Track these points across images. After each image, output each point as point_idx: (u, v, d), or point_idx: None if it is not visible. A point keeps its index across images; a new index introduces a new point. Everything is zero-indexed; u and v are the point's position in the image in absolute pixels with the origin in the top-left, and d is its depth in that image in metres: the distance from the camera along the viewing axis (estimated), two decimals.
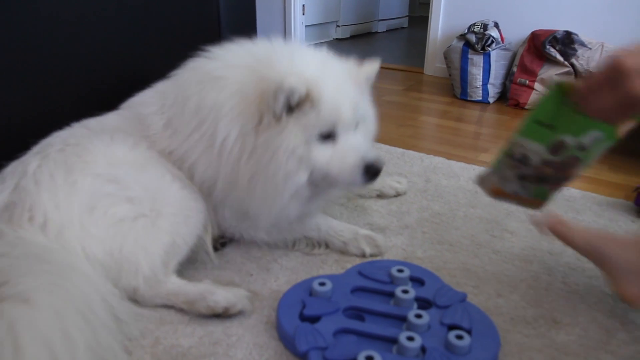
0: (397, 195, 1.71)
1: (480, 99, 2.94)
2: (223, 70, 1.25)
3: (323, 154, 1.20)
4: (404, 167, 1.95)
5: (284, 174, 1.17)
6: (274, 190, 1.19)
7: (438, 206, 1.65)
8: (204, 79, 1.26)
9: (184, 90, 1.30)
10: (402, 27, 6.03)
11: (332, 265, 1.32)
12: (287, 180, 1.18)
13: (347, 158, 1.20)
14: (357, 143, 1.23)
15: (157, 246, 1.16)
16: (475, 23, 3.00)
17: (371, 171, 1.19)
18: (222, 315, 1.12)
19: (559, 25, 2.91)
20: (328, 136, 1.20)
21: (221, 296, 1.13)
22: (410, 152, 2.11)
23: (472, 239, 1.46)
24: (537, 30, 2.87)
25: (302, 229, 1.39)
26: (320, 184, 1.25)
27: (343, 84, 1.24)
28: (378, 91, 3.16)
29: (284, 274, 1.29)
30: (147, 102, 1.40)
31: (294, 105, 1.14)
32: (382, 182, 1.70)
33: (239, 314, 1.13)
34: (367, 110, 1.32)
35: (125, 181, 1.18)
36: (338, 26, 5.04)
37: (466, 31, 2.98)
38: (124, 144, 1.26)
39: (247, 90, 1.18)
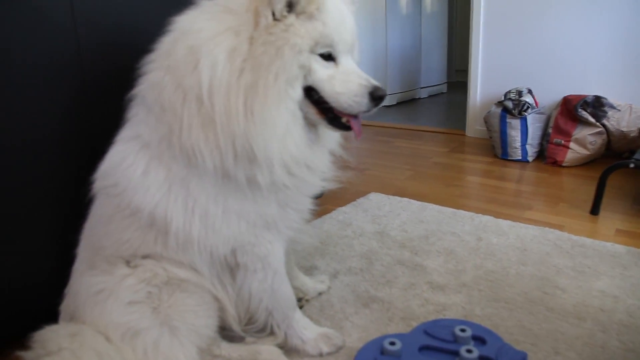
0: (320, 294, 1.46)
1: (520, 158, 2.87)
2: (194, 19, 0.97)
3: (325, 72, 0.99)
4: (457, 226, 1.91)
5: (287, 78, 0.92)
6: (275, 100, 0.92)
7: (491, 264, 1.60)
8: (172, 46, 0.97)
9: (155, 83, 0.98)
10: (442, 93, 6.03)
11: (399, 323, 1.30)
12: (288, 87, 0.93)
13: (352, 79, 1.00)
14: (357, 68, 1.04)
15: None
16: (510, 90, 2.97)
17: (377, 95, 1.01)
18: None
19: (588, 90, 2.86)
20: (328, 57, 0.99)
21: None
22: (461, 211, 2.06)
23: (525, 296, 1.41)
24: (568, 96, 2.81)
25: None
26: (310, 114, 1.03)
27: (343, 3, 1.05)
28: (425, 153, 3.17)
29: (355, 331, 1.28)
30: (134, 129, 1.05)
31: (299, 2, 0.93)
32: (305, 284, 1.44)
33: None
34: (357, 36, 1.09)
35: None
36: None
37: (503, 98, 2.96)
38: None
39: (233, 3, 0.95)
